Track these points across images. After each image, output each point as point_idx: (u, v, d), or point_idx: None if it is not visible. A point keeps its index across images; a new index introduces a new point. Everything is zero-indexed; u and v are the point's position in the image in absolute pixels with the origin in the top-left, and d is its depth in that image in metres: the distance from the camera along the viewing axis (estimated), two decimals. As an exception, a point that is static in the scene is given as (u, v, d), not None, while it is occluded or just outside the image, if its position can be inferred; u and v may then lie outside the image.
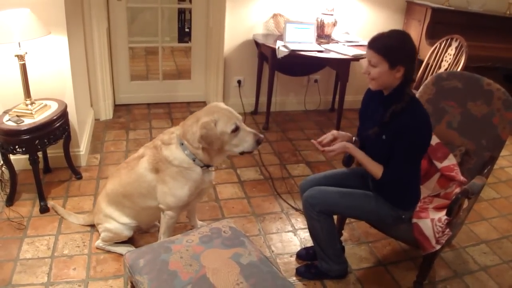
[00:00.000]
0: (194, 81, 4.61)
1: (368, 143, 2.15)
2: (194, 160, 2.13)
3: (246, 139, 2.11)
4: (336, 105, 4.26)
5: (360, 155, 2.06)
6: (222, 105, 2.18)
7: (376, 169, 2.02)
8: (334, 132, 2.15)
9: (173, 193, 2.16)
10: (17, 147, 2.59)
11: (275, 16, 4.10)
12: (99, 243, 2.44)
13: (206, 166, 2.18)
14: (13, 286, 2.16)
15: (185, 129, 2.13)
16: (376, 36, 1.93)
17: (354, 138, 2.21)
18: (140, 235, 2.57)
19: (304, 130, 4.23)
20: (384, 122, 1.97)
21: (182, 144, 2.12)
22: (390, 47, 1.88)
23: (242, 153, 2.17)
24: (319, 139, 2.12)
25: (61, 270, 2.29)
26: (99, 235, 2.44)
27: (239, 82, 4.38)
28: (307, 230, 2.37)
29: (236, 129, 2.08)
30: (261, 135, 2.15)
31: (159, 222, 2.43)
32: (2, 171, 2.84)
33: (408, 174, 2.03)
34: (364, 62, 4.34)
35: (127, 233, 2.37)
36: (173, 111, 4.42)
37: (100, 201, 2.40)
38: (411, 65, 1.93)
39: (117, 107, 4.39)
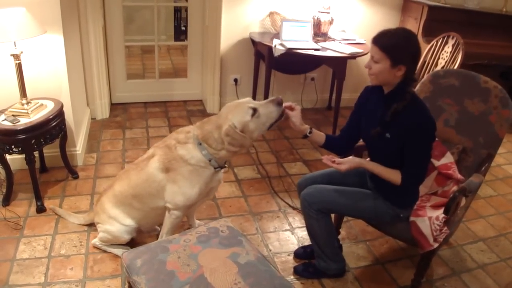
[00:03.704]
0: (190, 80, 4.60)
1: (370, 143, 2.14)
2: (210, 161, 2.15)
3: (269, 110, 2.07)
4: (333, 103, 4.26)
5: (375, 167, 2.04)
6: (231, 103, 2.16)
7: (394, 176, 1.98)
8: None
9: (183, 191, 2.16)
10: (13, 146, 2.58)
11: (271, 14, 4.09)
12: (96, 241, 2.43)
13: (219, 168, 2.20)
14: (10, 287, 2.16)
15: (205, 134, 2.13)
16: (382, 32, 1.90)
17: (310, 128, 2.16)
18: (137, 235, 2.56)
19: (301, 128, 4.22)
20: (385, 121, 1.96)
21: (200, 144, 2.13)
22: (395, 45, 1.86)
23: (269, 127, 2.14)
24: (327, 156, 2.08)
25: (58, 270, 2.28)
26: (97, 233, 2.43)
27: (235, 80, 4.37)
28: (304, 228, 2.37)
29: (255, 111, 2.06)
30: (279, 96, 2.09)
31: (159, 226, 2.42)
32: (-2, 171, 2.83)
33: (425, 170, 2.01)
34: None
35: (126, 237, 2.35)
36: (170, 110, 4.41)
37: (105, 202, 2.37)
38: (413, 66, 1.91)
39: (114, 106, 4.37)
